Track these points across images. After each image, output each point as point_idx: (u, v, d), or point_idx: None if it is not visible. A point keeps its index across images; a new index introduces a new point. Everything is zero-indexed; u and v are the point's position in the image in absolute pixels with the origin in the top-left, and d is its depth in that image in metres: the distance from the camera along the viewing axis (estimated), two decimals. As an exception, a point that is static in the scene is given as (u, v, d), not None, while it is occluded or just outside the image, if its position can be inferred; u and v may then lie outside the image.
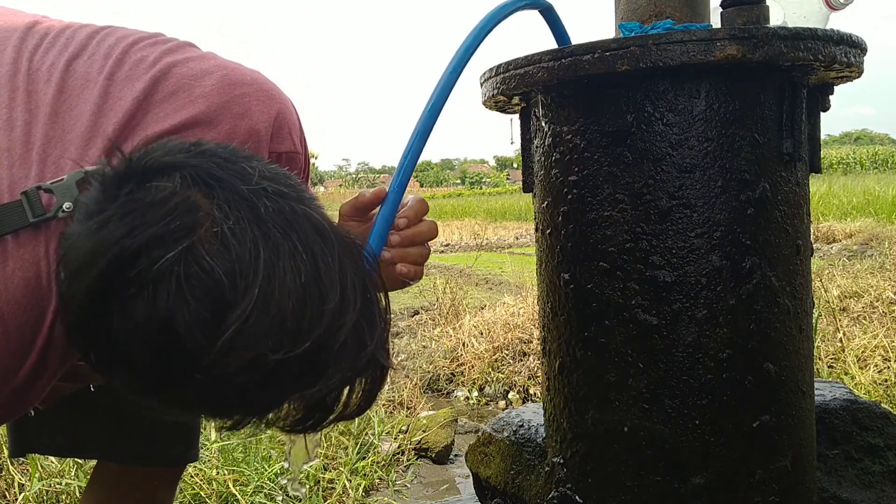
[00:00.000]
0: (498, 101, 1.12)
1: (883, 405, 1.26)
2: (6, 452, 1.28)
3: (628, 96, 0.94)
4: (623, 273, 0.96)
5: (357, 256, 0.62)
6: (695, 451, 0.95)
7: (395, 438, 2.81)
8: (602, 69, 0.90)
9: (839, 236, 8.60)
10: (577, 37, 1.08)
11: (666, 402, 0.95)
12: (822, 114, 1.03)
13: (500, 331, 4.04)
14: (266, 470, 2.26)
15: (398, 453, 2.74)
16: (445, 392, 3.79)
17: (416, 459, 2.77)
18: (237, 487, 2.15)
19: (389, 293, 0.70)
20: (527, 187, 1.15)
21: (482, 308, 4.90)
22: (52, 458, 2.10)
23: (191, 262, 0.53)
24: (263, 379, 0.55)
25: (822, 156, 1.04)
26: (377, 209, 0.83)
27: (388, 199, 0.83)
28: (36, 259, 0.67)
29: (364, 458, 2.57)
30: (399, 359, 4.09)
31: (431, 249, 0.86)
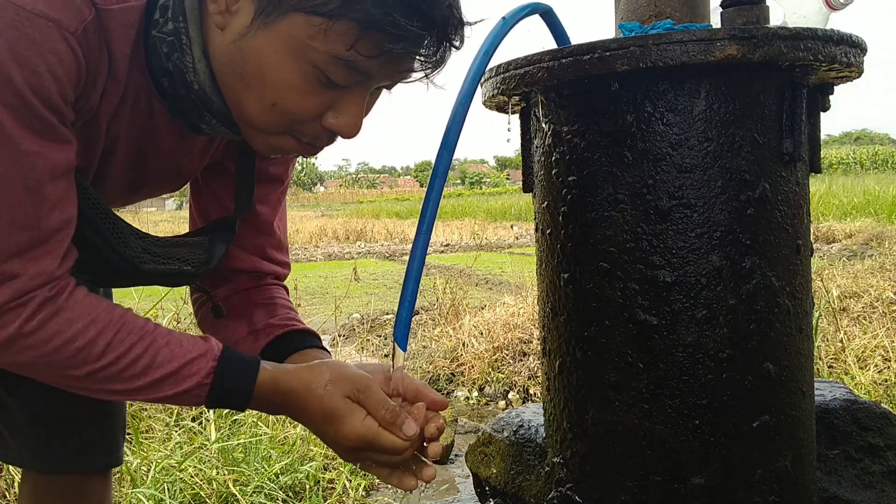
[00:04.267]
0: (498, 102, 1.12)
1: (883, 405, 1.26)
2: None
3: (628, 96, 0.94)
4: (623, 273, 0.96)
5: None
6: (695, 451, 0.95)
7: (395, 438, 2.80)
8: (602, 69, 0.90)
9: (839, 236, 8.60)
10: (577, 37, 1.08)
11: (666, 402, 0.95)
12: (822, 113, 1.03)
13: (500, 331, 4.04)
14: (266, 470, 2.26)
15: (398, 453, 2.74)
16: (445, 392, 3.79)
17: (416, 459, 2.77)
18: (237, 487, 2.15)
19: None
20: (527, 187, 1.16)
21: (482, 308, 4.90)
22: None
23: None
24: None
25: (821, 156, 1.04)
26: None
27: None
28: None
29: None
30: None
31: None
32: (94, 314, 0.78)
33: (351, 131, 0.83)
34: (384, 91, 0.87)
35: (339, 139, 0.86)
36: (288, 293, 1.17)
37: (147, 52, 0.80)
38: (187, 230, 1.14)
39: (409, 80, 0.83)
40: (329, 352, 1.08)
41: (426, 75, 0.82)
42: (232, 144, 1.03)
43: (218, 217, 1.08)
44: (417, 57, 0.78)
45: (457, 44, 0.79)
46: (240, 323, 1.08)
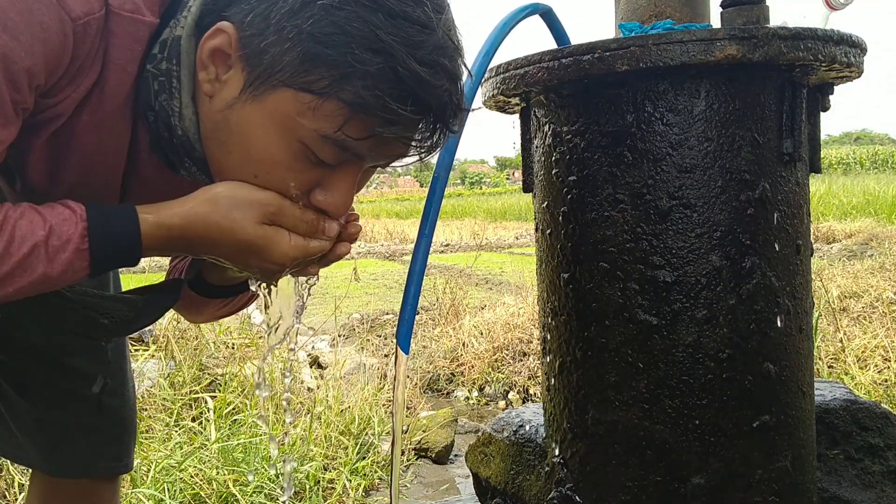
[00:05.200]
0: (498, 102, 1.11)
1: (883, 405, 1.26)
2: (6, 453, 1.27)
3: (628, 96, 0.94)
4: (623, 273, 0.96)
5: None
6: (695, 451, 0.95)
7: (395, 438, 2.80)
8: (602, 69, 0.90)
9: (839, 236, 8.60)
10: (578, 37, 1.08)
11: (666, 402, 0.95)
12: (822, 113, 1.03)
13: (500, 331, 4.04)
14: (266, 470, 2.26)
15: (398, 453, 2.74)
16: (445, 392, 3.79)
17: (417, 459, 2.77)
18: (237, 487, 2.15)
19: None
20: (527, 187, 1.15)
21: (482, 308, 4.90)
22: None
23: None
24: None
25: (821, 156, 1.04)
26: None
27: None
28: None
29: (364, 458, 2.57)
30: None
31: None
32: None
33: (339, 210, 0.79)
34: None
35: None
36: None
37: (139, 82, 0.76)
38: None
39: (401, 162, 0.80)
40: None
41: (420, 159, 0.79)
42: None
43: None
44: (407, 143, 0.75)
45: (454, 128, 0.77)
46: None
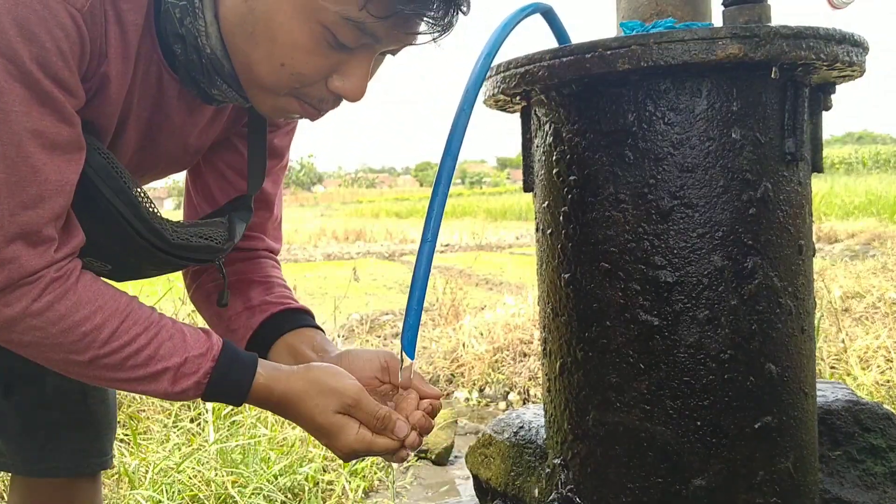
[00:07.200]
0: (498, 100, 1.11)
1: (885, 406, 1.26)
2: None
3: (629, 95, 0.94)
4: (624, 273, 0.96)
5: None
6: (696, 453, 0.94)
7: (395, 439, 2.80)
8: (603, 68, 0.90)
9: (841, 236, 8.61)
10: (578, 37, 1.07)
11: (667, 403, 0.94)
12: (823, 113, 1.03)
13: (500, 331, 4.03)
14: (265, 471, 2.26)
15: (398, 454, 2.73)
16: (445, 393, 3.78)
17: (416, 461, 2.77)
18: (236, 489, 2.14)
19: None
20: (527, 187, 1.15)
21: (482, 308, 4.90)
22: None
23: None
24: None
25: (823, 155, 1.03)
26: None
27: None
28: None
29: (363, 459, 2.56)
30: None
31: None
32: (102, 301, 0.79)
33: (355, 95, 0.83)
34: (385, 67, 0.88)
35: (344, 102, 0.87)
36: (280, 268, 1.18)
37: (158, 20, 0.80)
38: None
39: (414, 43, 0.83)
40: (323, 330, 1.11)
41: (433, 39, 0.81)
42: (238, 119, 1.02)
43: (223, 197, 1.08)
44: (426, 19, 0.78)
45: (464, 9, 0.79)
46: (235, 299, 1.08)
